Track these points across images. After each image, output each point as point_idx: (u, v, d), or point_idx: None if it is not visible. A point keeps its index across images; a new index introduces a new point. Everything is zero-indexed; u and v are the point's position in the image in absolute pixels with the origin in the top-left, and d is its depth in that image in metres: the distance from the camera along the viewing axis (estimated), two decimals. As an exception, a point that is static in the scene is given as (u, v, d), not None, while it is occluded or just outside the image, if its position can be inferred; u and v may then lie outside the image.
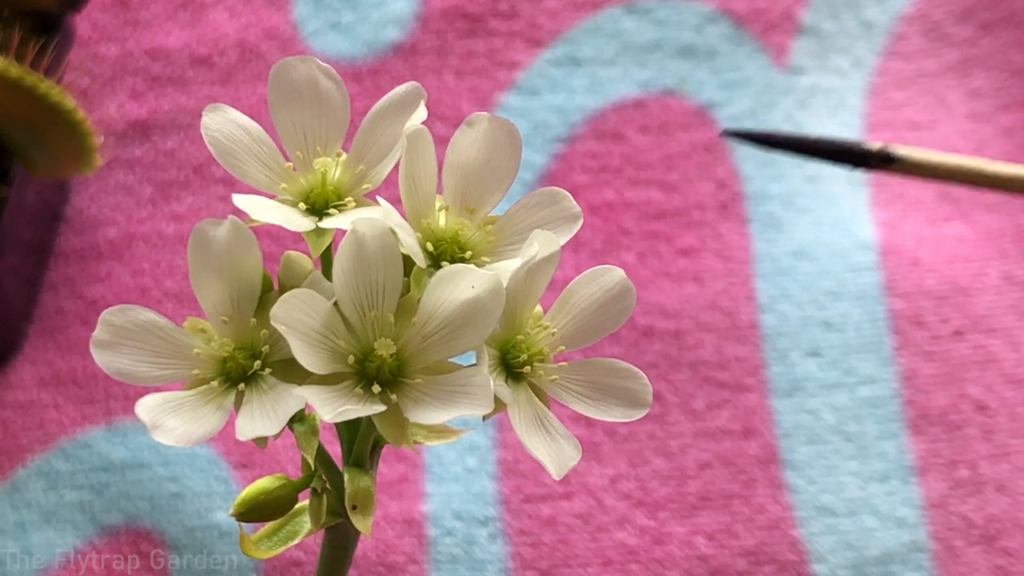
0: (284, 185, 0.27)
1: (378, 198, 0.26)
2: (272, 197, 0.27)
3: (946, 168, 0.23)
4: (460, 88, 0.55)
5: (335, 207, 0.27)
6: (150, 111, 0.54)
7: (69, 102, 0.44)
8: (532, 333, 0.27)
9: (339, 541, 0.30)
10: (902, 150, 0.23)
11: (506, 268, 0.26)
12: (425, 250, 0.26)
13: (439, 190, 0.27)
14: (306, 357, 0.25)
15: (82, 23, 0.54)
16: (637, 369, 0.27)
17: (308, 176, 0.27)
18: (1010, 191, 0.23)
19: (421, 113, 0.27)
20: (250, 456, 0.48)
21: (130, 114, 0.54)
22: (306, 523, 0.29)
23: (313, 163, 0.27)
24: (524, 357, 0.27)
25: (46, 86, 0.43)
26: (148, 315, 0.26)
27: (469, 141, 0.27)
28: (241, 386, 0.26)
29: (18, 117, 0.45)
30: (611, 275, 0.27)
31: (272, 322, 0.24)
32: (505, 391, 0.25)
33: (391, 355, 0.25)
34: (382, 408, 0.25)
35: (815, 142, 0.24)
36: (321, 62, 0.28)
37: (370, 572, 0.47)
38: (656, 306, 0.51)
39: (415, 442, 0.28)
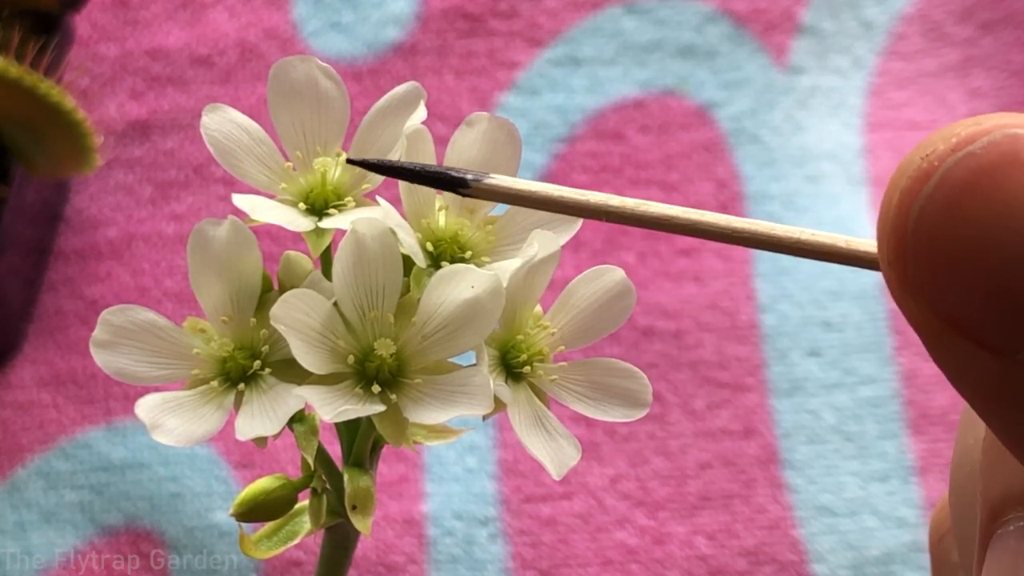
0: (284, 185, 0.27)
1: (378, 198, 0.26)
2: (272, 197, 0.27)
3: (526, 196, 0.24)
4: (460, 88, 0.55)
5: (335, 207, 0.27)
6: (150, 111, 0.54)
7: (69, 102, 0.44)
8: (532, 333, 0.27)
9: (339, 541, 0.30)
10: (489, 179, 0.24)
11: (506, 268, 0.26)
12: (425, 250, 0.26)
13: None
14: (306, 357, 0.25)
15: (82, 23, 0.54)
16: (637, 369, 0.27)
17: (308, 176, 0.27)
18: (579, 215, 0.24)
19: (421, 113, 0.27)
20: (250, 456, 0.48)
21: (130, 114, 0.54)
22: (306, 523, 0.29)
23: (313, 163, 0.27)
24: (524, 357, 0.26)
25: (46, 86, 0.43)
26: (148, 315, 0.26)
27: (469, 141, 0.27)
28: (241, 386, 0.26)
29: (18, 117, 0.45)
30: (611, 275, 0.27)
31: (272, 322, 0.24)
32: (505, 391, 0.25)
33: (391, 355, 0.25)
34: (382, 408, 0.25)
35: (411, 170, 0.25)
36: (321, 62, 0.28)
37: (370, 572, 0.47)
38: (656, 306, 0.51)
39: (415, 442, 0.28)
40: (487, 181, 0.24)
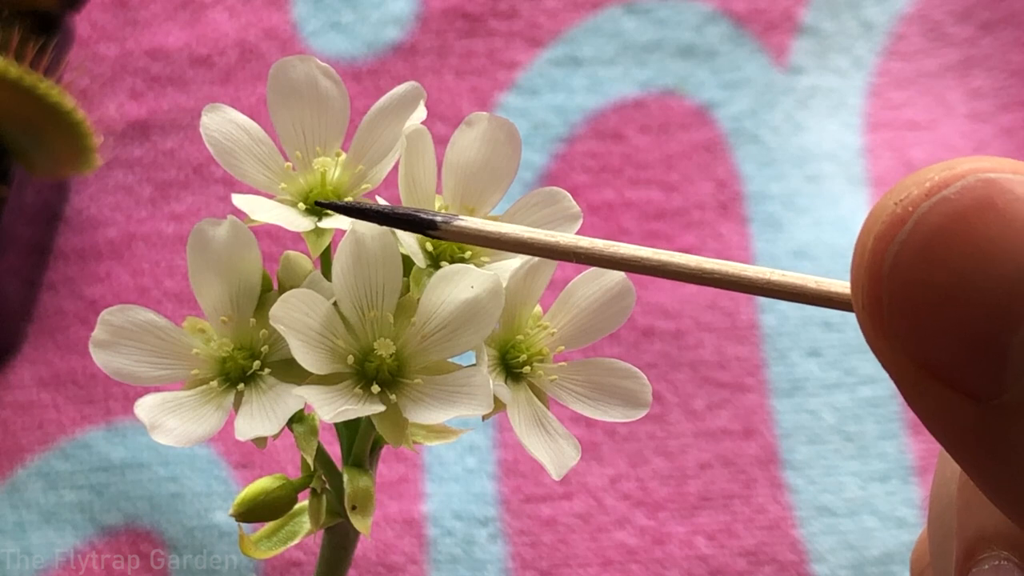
0: (283, 185, 0.27)
1: (378, 198, 0.26)
2: (271, 197, 0.27)
3: (498, 237, 0.24)
4: (460, 88, 0.55)
5: (334, 207, 0.27)
6: (150, 111, 0.54)
7: (69, 102, 0.44)
8: (532, 333, 0.27)
9: (339, 541, 0.30)
10: (459, 221, 0.24)
11: (506, 268, 0.26)
12: (424, 250, 0.26)
13: (439, 190, 0.27)
14: (305, 357, 0.24)
15: (82, 23, 0.54)
16: (637, 369, 0.27)
17: (307, 176, 0.27)
18: (558, 258, 0.24)
19: (421, 113, 0.27)
20: (250, 456, 0.48)
21: (130, 114, 0.54)
22: (306, 523, 0.29)
23: (312, 163, 0.27)
24: (524, 357, 0.26)
25: (46, 86, 0.43)
26: (147, 315, 0.26)
27: (468, 141, 0.27)
28: (240, 386, 0.26)
29: (18, 117, 0.45)
30: (611, 275, 0.27)
31: (271, 322, 0.24)
32: (504, 391, 0.25)
33: (390, 355, 0.25)
34: (381, 408, 0.25)
35: (382, 212, 0.25)
36: (320, 61, 0.28)
37: (370, 572, 0.47)
38: (656, 306, 0.51)
39: (414, 442, 0.28)
40: (456, 223, 0.24)
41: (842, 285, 0.21)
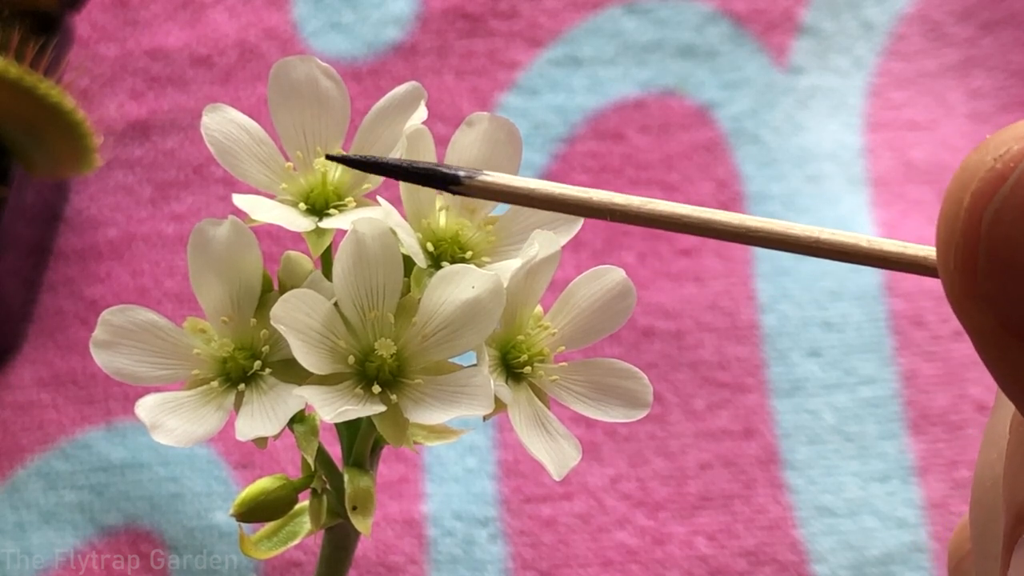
0: (284, 185, 0.27)
1: (378, 198, 0.26)
2: (272, 197, 0.27)
3: (524, 193, 0.22)
4: (460, 88, 0.55)
5: (335, 207, 0.27)
6: (150, 111, 0.54)
7: (69, 102, 0.44)
8: (532, 333, 0.27)
9: (339, 541, 0.30)
10: (483, 176, 0.22)
11: (506, 268, 0.26)
12: (425, 250, 0.26)
13: (440, 190, 0.27)
14: (306, 357, 0.25)
15: (82, 23, 0.54)
16: (637, 369, 0.27)
17: (308, 176, 0.27)
18: (594, 216, 0.22)
19: (421, 113, 0.27)
20: (250, 456, 0.48)
21: (130, 114, 0.54)
22: (306, 523, 0.29)
23: (313, 163, 0.27)
24: (524, 357, 0.26)
25: (46, 86, 0.43)
26: (148, 315, 0.26)
27: (469, 141, 0.27)
28: (241, 386, 0.26)
29: (18, 117, 0.45)
30: (612, 275, 0.27)
31: (272, 322, 0.24)
32: (505, 391, 0.25)
33: (391, 355, 0.25)
34: (382, 408, 0.25)
35: (400, 167, 0.23)
36: (321, 62, 0.28)
37: (370, 572, 0.47)
38: (656, 306, 0.51)
39: (415, 443, 0.28)
40: (481, 178, 0.22)
41: (894, 244, 0.20)
